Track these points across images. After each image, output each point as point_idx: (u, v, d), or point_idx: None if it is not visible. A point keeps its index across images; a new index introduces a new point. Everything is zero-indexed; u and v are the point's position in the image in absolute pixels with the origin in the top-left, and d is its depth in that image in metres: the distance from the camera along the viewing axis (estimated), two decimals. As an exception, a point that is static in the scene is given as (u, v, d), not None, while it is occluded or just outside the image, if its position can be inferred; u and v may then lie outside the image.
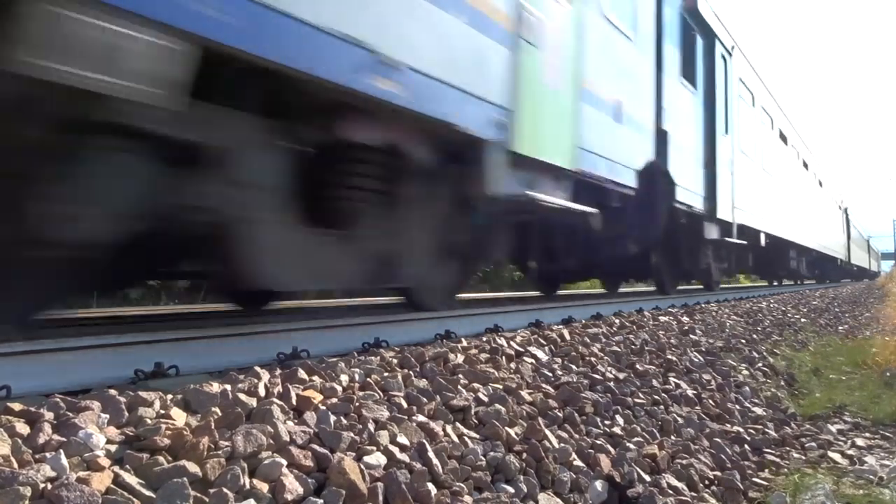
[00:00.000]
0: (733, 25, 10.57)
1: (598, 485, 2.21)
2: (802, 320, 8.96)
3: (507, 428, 2.20)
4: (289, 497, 1.47)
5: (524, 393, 2.57)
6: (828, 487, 2.70)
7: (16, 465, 1.27)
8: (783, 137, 15.00)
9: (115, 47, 1.89)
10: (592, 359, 3.35)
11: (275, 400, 1.80)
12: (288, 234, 3.01)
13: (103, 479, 1.30)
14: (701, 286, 10.86)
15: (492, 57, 3.82)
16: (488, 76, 3.78)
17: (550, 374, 2.93)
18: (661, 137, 6.80)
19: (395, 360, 2.47)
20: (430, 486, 1.74)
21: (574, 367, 3.17)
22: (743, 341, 5.67)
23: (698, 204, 8.12)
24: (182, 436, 1.49)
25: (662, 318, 5.32)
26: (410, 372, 2.36)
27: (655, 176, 6.66)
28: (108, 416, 1.54)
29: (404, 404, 2.08)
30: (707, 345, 4.87)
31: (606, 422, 2.72)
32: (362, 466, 1.66)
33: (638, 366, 3.56)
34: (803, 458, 3.34)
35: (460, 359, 2.70)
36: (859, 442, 3.65)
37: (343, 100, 2.87)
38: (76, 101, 1.95)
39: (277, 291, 4.91)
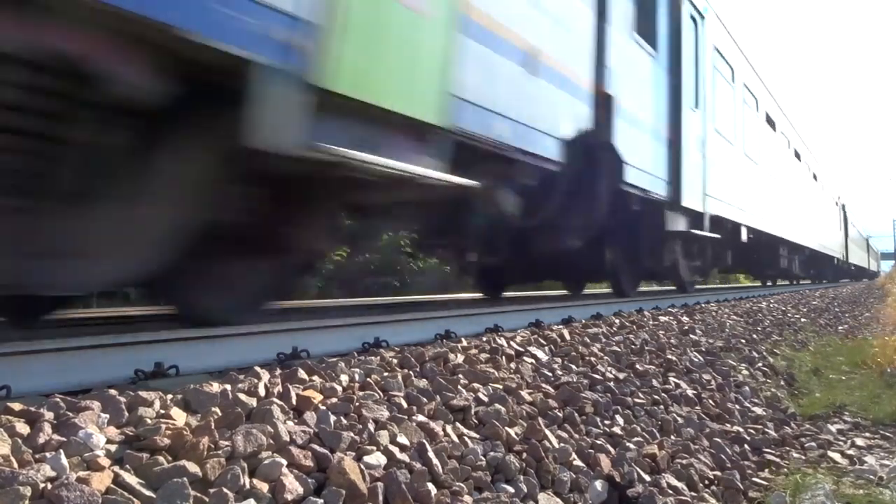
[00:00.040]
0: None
1: (598, 485, 2.21)
2: (802, 320, 8.96)
3: (507, 428, 2.20)
4: (289, 497, 1.47)
5: (524, 393, 2.57)
6: (828, 487, 2.70)
7: (16, 465, 1.27)
8: (771, 122, 13.57)
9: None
10: (592, 359, 3.35)
11: (275, 400, 1.80)
12: None
13: (103, 478, 1.30)
14: (673, 287, 9.53)
15: None
16: None
17: (550, 374, 2.94)
18: (604, 103, 5.42)
19: (395, 360, 2.47)
20: (430, 486, 1.74)
21: (574, 366, 3.17)
22: (743, 341, 5.67)
23: (659, 189, 6.85)
24: (182, 436, 1.49)
25: (662, 318, 5.32)
26: (410, 372, 2.36)
27: (595, 150, 5.35)
28: (108, 416, 1.54)
29: (404, 404, 2.08)
30: (707, 345, 4.87)
31: (606, 422, 2.72)
32: (362, 466, 1.66)
33: (638, 366, 3.56)
34: (803, 457, 3.34)
35: (460, 359, 2.70)
36: (859, 442, 3.65)
37: None
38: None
39: (53, 304, 3.56)
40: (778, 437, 3.58)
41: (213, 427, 1.56)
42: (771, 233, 12.41)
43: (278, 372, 2.08)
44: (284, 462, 1.54)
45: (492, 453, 2.04)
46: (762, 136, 12.54)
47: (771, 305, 9.10)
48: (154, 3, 2.11)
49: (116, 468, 1.35)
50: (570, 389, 2.75)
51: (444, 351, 2.68)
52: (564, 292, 9.13)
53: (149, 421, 1.55)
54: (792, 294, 12.70)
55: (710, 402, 3.65)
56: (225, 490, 1.37)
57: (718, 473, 2.76)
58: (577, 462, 2.27)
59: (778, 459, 3.20)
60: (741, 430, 3.44)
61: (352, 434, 1.77)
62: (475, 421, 2.21)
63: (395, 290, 10.06)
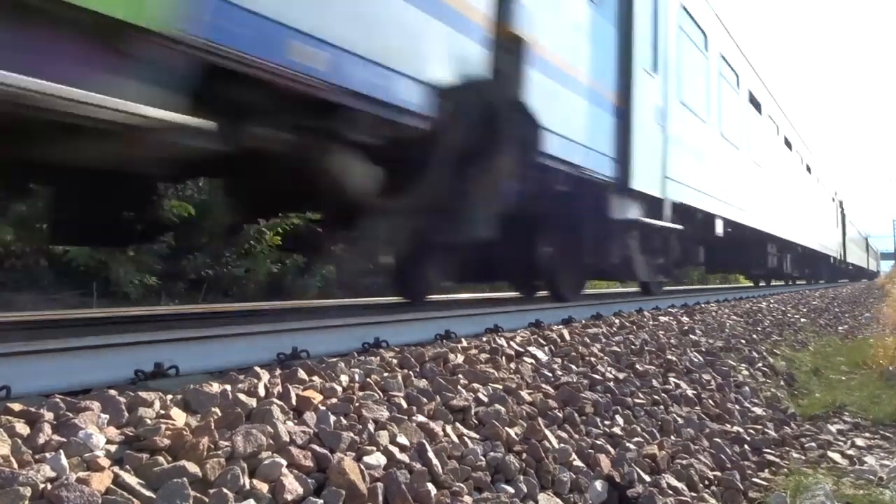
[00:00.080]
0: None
1: (598, 485, 2.21)
2: (802, 320, 8.97)
3: (506, 428, 2.20)
4: (289, 497, 1.47)
5: (524, 393, 2.57)
6: (828, 487, 2.70)
7: (16, 466, 1.27)
8: (755, 104, 11.95)
9: None
10: (592, 359, 3.35)
11: (275, 400, 1.80)
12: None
13: (103, 479, 1.30)
14: (638, 290, 8.31)
15: None
16: None
17: (550, 375, 2.94)
18: (510, 47, 4.07)
19: (394, 360, 2.47)
20: (430, 486, 1.74)
21: (574, 367, 3.17)
22: (743, 341, 5.67)
23: (601, 167, 5.54)
24: (182, 436, 1.49)
25: (662, 319, 5.32)
26: (410, 372, 2.36)
27: (495, 108, 4.02)
28: (108, 416, 1.54)
29: (404, 404, 2.08)
30: (707, 345, 4.87)
31: (606, 422, 2.72)
32: (362, 466, 1.66)
33: (638, 366, 3.56)
34: (803, 458, 3.34)
35: (460, 359, 2.70)
36: (859, 442, 3.66)
37: None
38: None
39: None
40: (778, 437, 3.59)
41: (212, 427, 1.56)
42: (756, 227, 11.14)
43: (278, 372, 2.08)
44: (284, 462, 1.54)
45: (492, 453, 2.04)
46: (744, 118, 10.97)
47: (771, 305, 9.11)
48: None
49: (116, 468, 1.35)
50: (570, 390, 2.75)
51: (444, 351, 2.68)
52: (516, 294, 7.49)
53: (149, 421, 1.55)
54: (792, 294, 12.70)
55: (710, 402, 3.65)
56: (225, 490, 1.37)
57: (718, 474, 2.76)
58: (577, 462, 2.27)
59: (778, 460, 3.20)
60: (741, 430, 3.44)
61: (352, 434, 1.77)
62: (475, 421, 2.21)
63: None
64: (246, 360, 2.35)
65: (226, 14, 2.37)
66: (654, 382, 3.45)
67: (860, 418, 4.16)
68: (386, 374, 2.27)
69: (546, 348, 3.29)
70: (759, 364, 5.11)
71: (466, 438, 2.07)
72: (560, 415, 2.54)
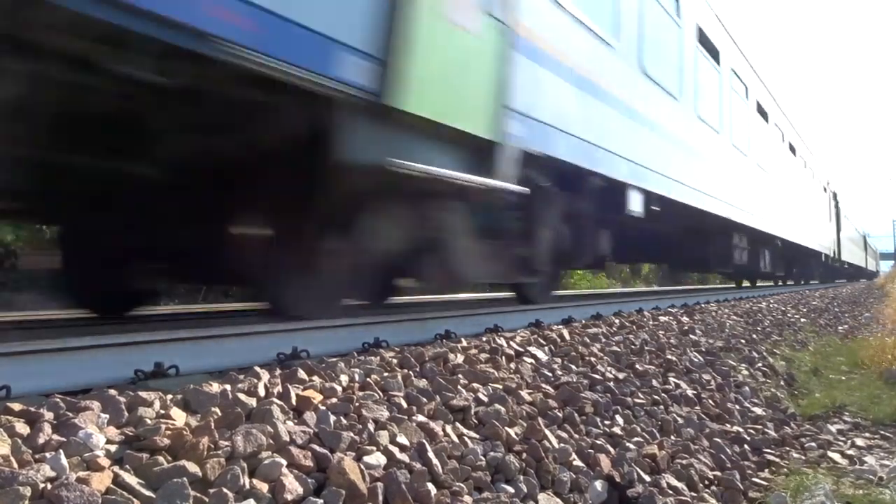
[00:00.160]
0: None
1: (598, 485, 2.21)
2: (802, 320, 8.97)
3: (506, 428, 2.20)
4: (288, 497, 1.47)
5: (524, 393, 2.57)
6: (828, 487, 2.70)
7: (16, 465, 1.27)
8: (708, 46, 8.65)
9: None
10: (592, 359, 3.36)
11: (275, 400, 1.80)
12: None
13: (103, 479, 1.30)
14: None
15: None
16: None
17: (550, 374, 2.94)
18: None
19: (395, 360, 2.47)
20: (430, 486, 1.74)
21: (574, 367, 3.17)
22: (743, 341, 5.68)
23: (332, 64, 2.80)
24: (182, 436, 1.49)
25: (662, 318, 5.32)
26: (410, 372, 2.36)
27: None
28: (108, 416, 1.54)
29: (404, 404, 2.08)
30: (707, 345, 4.88)
31: (606, 422, 2.72)
32: (362, 466, 1.66)
33: (638, 366, 3.56)
34: (803, 458, 3.34)
35: (460, 359, 2.70)
36: (859, 442, 3.66)
37: None
38: None
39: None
40: (778, 437, 3.59)
41: (212, 427, 1.56)
42: (713, 212, 8.37)
43: (278, 372, 2.08)
44: (284, 462, 1.54)
45: (492, 453, 2.04)
46: (688, 58, 7.83)
47: (771, 305, 9.11)
48: None
49: (116, 468, 1.35)
50: (570, 389, 2.75)
51: (443, 351, 2.68)
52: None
53: (149, 421, 1.55)
54: (791, 294, 12.71)
55: (710, 402, 3.65)
56: (225, 490, 1.37)
57: (718, 473, 2.76)
58: (577, 462, 2.27)
59: (778, 459, 3.20)
60: (741, 430, 3.44)
61: (352, 434, 1.77)
62: (475, 421, 2.21)
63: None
64: (246, 360, 2.35)
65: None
66: (654, 382, 3.45)
67: (860, 418, 4.16)
68: (386, 374, 2.27)
69: (546, 348, 3.29)
70: (759, 364, 5.11)
71: (466, 438, 2.07)
72: (560, 415, 2.54)
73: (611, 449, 2.48)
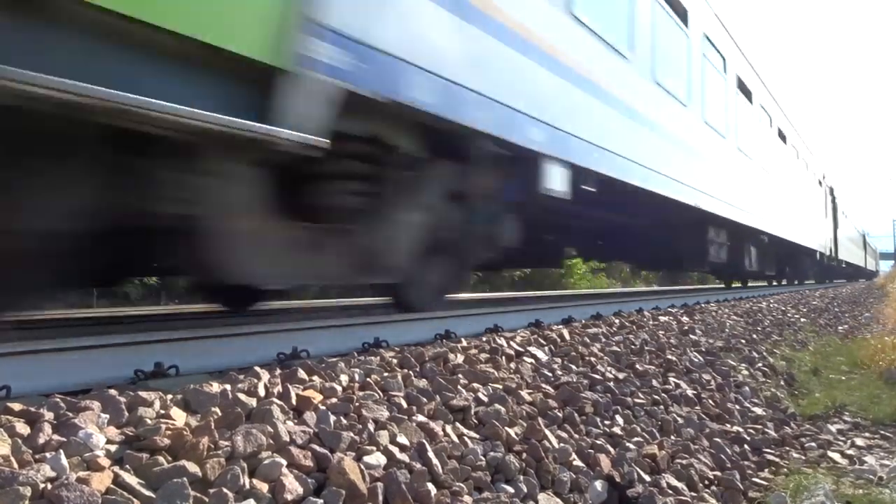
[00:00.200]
0: None
1: (598, 485, 2.21)
2: (802, 320, 8.97)
3: (506, 428, 2.20)
4: (288, 497, 1.47)
5: (524, 393, 2.57)
6: (828, 487, 2.70)
7: (16, 465, 1.27)
8: (676, 6, 7.09)
9: None
10: (592, 359, 3.35)
11: (275, 400, 1.80)
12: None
13: (103, 479, 1.30)
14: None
15: None
16: None
17: (550, 374, 2.94)
18: None
19: (395, 360, 2.47)
20: (430, 486, 1.74)
21: (574, 367, 3.17)
22: (743, 341, 5.67)
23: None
24: (182, 436, 1.49)
25: (662, 318, 5.32)
26: (410, 372, 2.36)
27: None
28: (108, 416, 1.54)
29: (404, 404, 2.08)
30: (707, 345, 4.87)
31: (606, 422, 2.72)
32: (362, 466, 1.66)
33: (638, 366, 3.56)
34: (803, 457, 3.34)
35: (460, 359, 2.70)
36: (859, 442, 3.66)
37: None
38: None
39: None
40: (778, 437, 3.59)
41: (212, 427, 1.56)
42: (679, 200, 7.05)
43: (278, 372, 2.08)
44: (284, 462, 1.54)
45: (492, 453, 2.04)
46: (645, 17, 6.25)
47: (771, 305, 9.11)
48: None
49: (116, 468, 1.35)
50: (570, 389, 2.75)
51: (443, 351, 2.68)
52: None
53: (149, 421, 1.55)
54: (791, 294, 12.70)
55: (710, 402, 3.65)
56: (225, 490, 1.37)
57: (718, 473, 2.76)
58: (577, 462, 2.27)
59: (778, 459, 3.20)
60: (741, 430, 3.44)
61: (352, 434, 1.77)
62: (475, 421, 2.21)
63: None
64: (246, 360, 2.35)
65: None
66: (654, 382, 3.45)
67: (860, 418, 4.16)
68: (386, 374, 2.27)
69: (546, 348, 3.29)
70: (759, 364, 5.11)
71: (466, 438, 2.07)
72: (560, 415, 2.54)
73: (611, 449, 2.48)
